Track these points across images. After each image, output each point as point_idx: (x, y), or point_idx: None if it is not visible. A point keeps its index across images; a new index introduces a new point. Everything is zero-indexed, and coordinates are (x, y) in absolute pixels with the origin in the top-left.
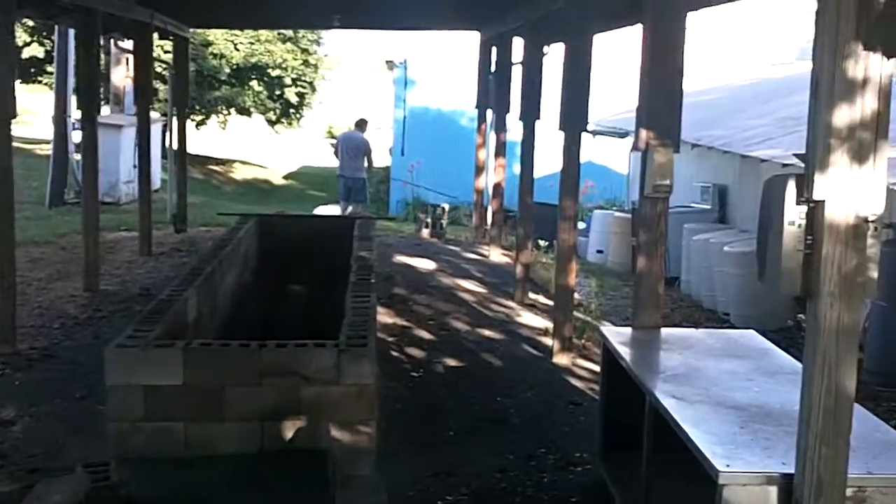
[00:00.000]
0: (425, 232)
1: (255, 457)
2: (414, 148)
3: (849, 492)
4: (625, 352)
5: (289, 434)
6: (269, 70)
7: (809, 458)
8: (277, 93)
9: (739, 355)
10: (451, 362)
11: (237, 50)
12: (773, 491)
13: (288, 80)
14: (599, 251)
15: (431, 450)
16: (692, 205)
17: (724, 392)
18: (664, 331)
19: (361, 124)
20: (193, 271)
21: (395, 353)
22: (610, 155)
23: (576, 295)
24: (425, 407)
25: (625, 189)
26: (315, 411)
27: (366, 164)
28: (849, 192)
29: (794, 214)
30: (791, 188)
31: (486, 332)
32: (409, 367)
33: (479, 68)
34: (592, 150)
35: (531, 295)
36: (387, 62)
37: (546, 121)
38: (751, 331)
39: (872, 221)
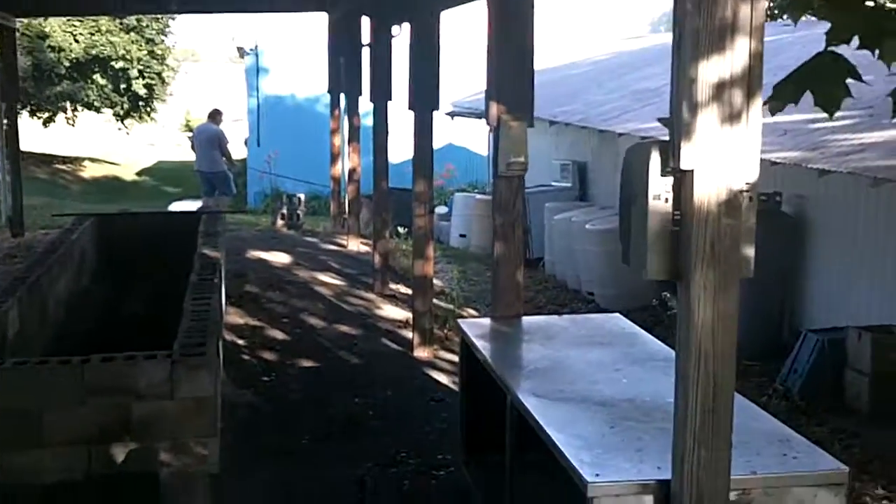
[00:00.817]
0: (281, 224)
1: (80, 485)
2: (270, 137)
3: (732, 496)
4: (483, 346)
5: (119, 458)
6: (113, 62)
7: (687, 462)
8: (123, 86)
9: (605, 343)
10: (306, 363)
11: (76, 42)
12: (650, 501)
13: (134, 73)
14: (462, 235)
15: (281, 462)
16: (553, 183)
17: (590, 386)
18: (525, 320)
19: (215, 115)
20: (16, 280)
21: (245, 357)
22: (471, 136)
23: (437, 282)
24: (277, 414)
25: (486, 171)
26: (148, 431)
27: (223, 156)
28: (720, 158)
29: (659, 187)
30: (655, 158)
31: (344, 328)
32: (261, 370)
33: (329, 51)
34: (452, 132)
35: (391, 285)
36: (238, 49)
37: (400, 103)
38: (616, 314)
39: (747, 191)
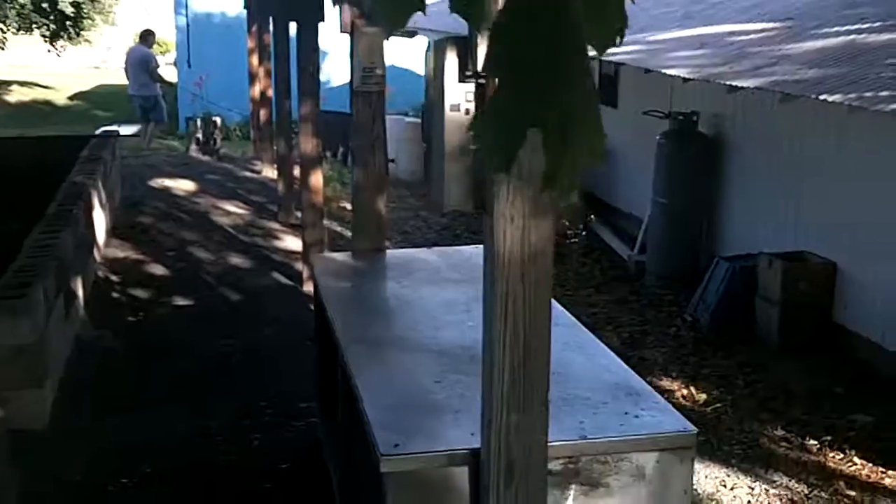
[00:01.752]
0: (195, 149)
1: None
2: (201, 59)
3: (556, 465)
4: (327, 285)
5: None
6: None
7: (495, 430)
8: (45, 5)
9: (466, 279)
10: (181, 301)
11: None
12: (457, 474)
13: None
14: (391, 160)
15: (124, 417)
16: None
17: (431, 331)
18: (390, 254)
19: (146, 36)
20: None
21: (114, 295)
22: (414, 58)
23: (350, 206)
24: (134, 360)
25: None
26: None
27: (153, 80)
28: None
29: (457, 95)
30: (452, 59)
31: (235, 261)
32: (129, 310)
33: None
34: (394, 52)
35: (299, 214)
36: None
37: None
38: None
39: None
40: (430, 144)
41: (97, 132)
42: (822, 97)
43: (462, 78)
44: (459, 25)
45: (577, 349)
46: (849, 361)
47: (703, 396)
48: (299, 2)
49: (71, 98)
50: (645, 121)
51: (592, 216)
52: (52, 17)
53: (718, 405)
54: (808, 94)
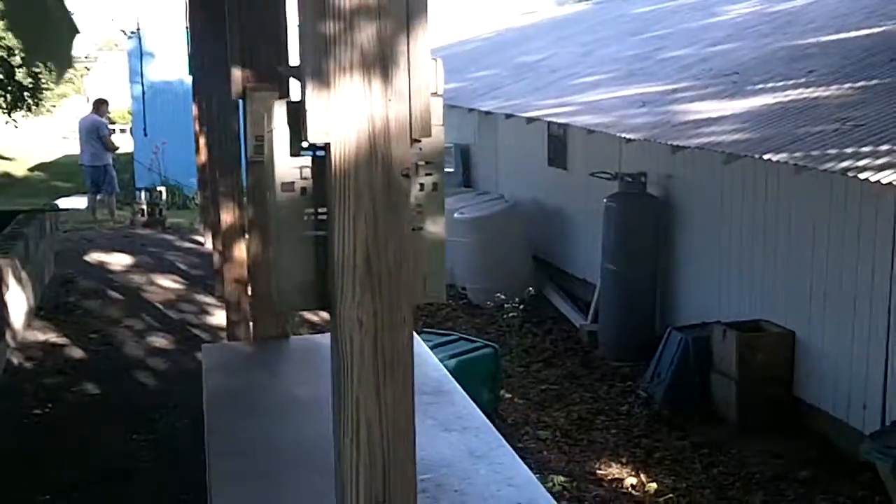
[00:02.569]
0: (140, 220)
1: None
2: (158, 127)
3: None
4: (213, 382)
5: None
6: None
7: None
8: (0, 76)
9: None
10: (94, 389)
11: None
12: None
13: (17, 61)
14: None
15: None
16: None
17: (320, 450)
18: (294, 341)
19: (99, 105)
20: None
21: (25, 385)
22: None
23: None
24: (27, 461)
25: None
26: None
27: (105, 149)
28: (369, 119)
29: (290, 171)
30: (282, 125)
31: (160, 342)
32: (35, 402)
33: (189, 28)
34: None
35: None
36: (122, 31)
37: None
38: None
39: (424, 165)
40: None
41: (63, 203)
42: (766, 157)
43: (295, 151)
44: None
45: (481, 459)
46: (813, 440)
47: (654, 486)
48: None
49: (31, 169)
50: (596, 183)
51: (531, 288)
52: (9, 88)
53: (671, 495)
54: (751, 153)
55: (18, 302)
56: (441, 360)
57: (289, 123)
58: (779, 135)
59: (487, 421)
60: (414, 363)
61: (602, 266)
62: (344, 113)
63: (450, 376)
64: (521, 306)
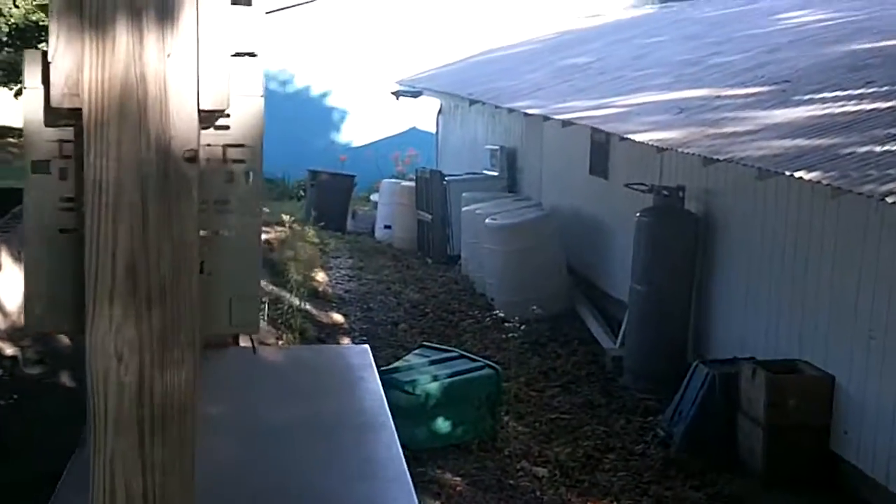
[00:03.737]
0: None
1: None
2: None
3: None
4: None
5: None
6: None
7: None
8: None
9: (306, 394)
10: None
11: (16, 7)
12: None
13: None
14: (387, 227)
15: None
16: (484, 171)
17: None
18: (233, 353)
19: None
20: None
21: None
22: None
23: (320, 278)
24: None
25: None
26: None
27: None
28: (136, 80)
29: (44, 146)
30: (35, 83)
31: None
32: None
33: None
34: (418, 114)
35: None
36: None
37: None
38: (365, 347)
39: (235, 149)
40: (429, 210)
41: None
42: (797, 174)
43: (51, 119)
44: (466, 88)
45: None
46: (846, 501)
47: None
48: None
49: None
50: (636, 195)
51: (535, 307)
52: None
53: None
54: (781, 170)
55: (16, 285)
56: (434, 380)
57: (43, 82)
58: (817, 150)
59: (406, 469)
60: (196, 415)
61: (631, 286)
62: (101, 70)
63: (386, 408)
64: (551, 323)
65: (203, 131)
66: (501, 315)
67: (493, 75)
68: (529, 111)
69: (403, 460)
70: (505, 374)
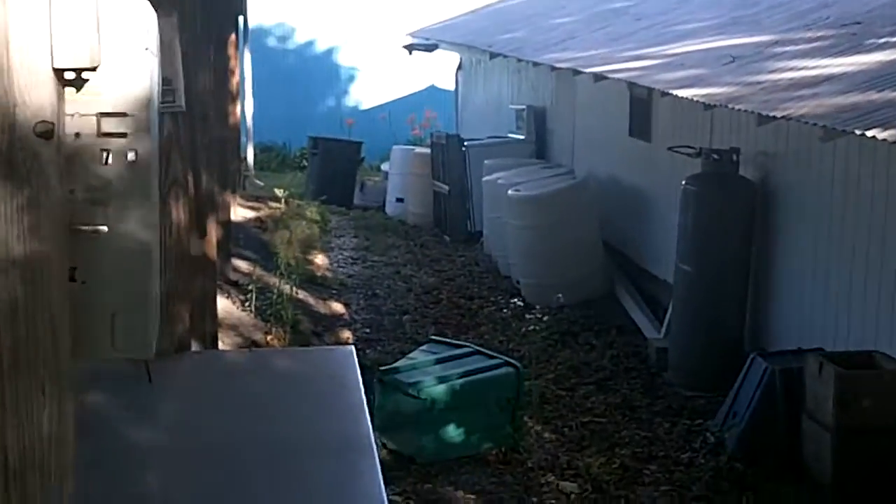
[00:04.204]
0: None
1: None
2: None
3: None
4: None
5: None
6: None
7: None
8: None
9: (275, 412)
10: None
11: None
12: None
13: None
14: (399, 200)
15: None
16: (509, 135)
17: None
18: (191, 358)
19: None
20: None
21: None
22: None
23: (319, 261)
24: None
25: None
26: None
27: None
28: None
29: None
30: None
31: None
32: None
33: None
34: (437, 71)
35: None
36: None
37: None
38: (349, 349)
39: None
40: (446, 181)
41: None
42: (869, 133)
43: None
44: (486, 39)
45: None
46: None
47: None
48: None
49: None
50: (683, 159)
51: (560, 295)
52: None
53: None
54: (849, 128)
55: None
56: (442, 381)
57: None
58: (893, 104)
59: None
60: (68, 459)
61: (676, 266)
62: None
63: (368, 427)
64: (584, 309)
65: (69, 98)
66: (527, 301)
67: (517, 23)
68: (557, 64)
69: (385, 495)
70: (529, 371)
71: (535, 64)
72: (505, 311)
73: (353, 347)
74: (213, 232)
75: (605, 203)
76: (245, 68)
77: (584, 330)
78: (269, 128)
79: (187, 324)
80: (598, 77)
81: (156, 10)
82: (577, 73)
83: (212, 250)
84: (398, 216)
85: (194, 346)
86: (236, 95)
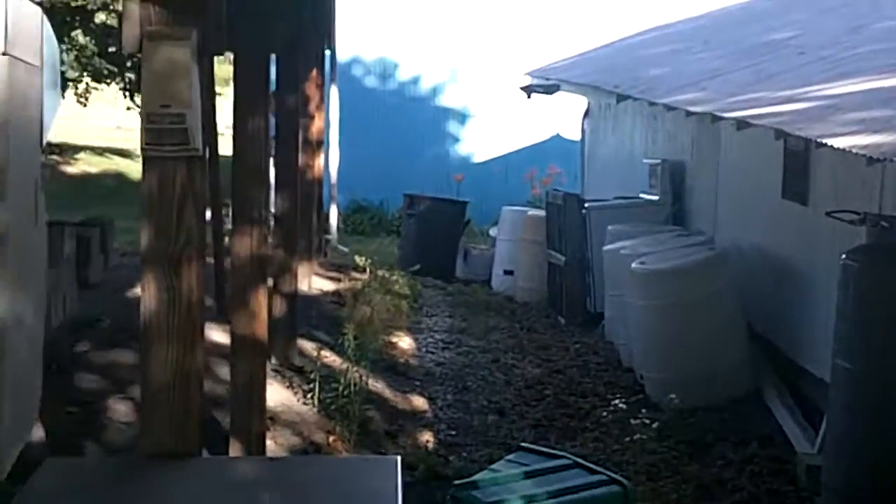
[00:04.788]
0: None
1: None
2: None
3: None
4: None
5: None
6: (96, 13)
7: None
8: (113, 48)
9: None
10: None
11: None
12: None
13: None
14: (507, 272)
15: None
16: (641, 195)
17: None
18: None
19: None
20: None
21: None
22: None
23: (405, 345)
24: None
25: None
26: None
27: None
28: None
29: None
30: None
31: None
32: None
33: None
34: (561, 119)
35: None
36: None
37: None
38: (395, 459)
39: None
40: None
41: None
42: None
43: None
44: (614, 78)
45: None
46: None
47: None
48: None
49: None
50: (849, 228)
51: (673, 396)
52: (128, 65)
53: None
54: None
55: None
56: (532, 501)
57: None
58: None
59: None
60: None
61: (833, 362)
62: None
63: None
64: (721, 413)
65: None
66: (650, 400)
67: (651, 59)
68: (691, 108)
69: None
70: (642, 491)
71: (669, 108)
72: (622, 412)
73: (398, 458)
74: (262, 306)
75: (750, 280)
76: (331, 111)
77: (719, 440)
78: (363, 183)
79: (196, 418)
80: (741, 124)
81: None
82: (715, 118)
83: (261, 328)
84: (505, 292)
85: (235, 449)
86: (318, 143)
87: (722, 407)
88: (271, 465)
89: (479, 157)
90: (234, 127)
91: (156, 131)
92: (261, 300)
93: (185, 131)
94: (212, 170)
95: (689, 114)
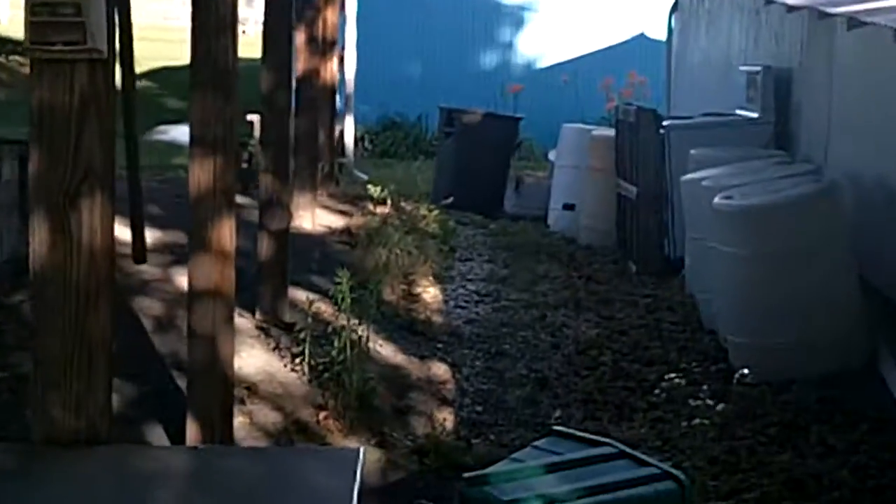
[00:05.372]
0: None
1: None
2: None
3: None
4: None
5: None
6: None
7: None
8: None
9: None
10: None
11: None
12: None
13: None
14: (567, 207)
15: None
16: (737, 111)
17: None
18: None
19: None
20: None
21: None
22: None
23: (429, 295)
24: None
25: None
26: None
27: None
28: None
29: None
30: None
31: None
32: None
33: None
34: (648, 14)
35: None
36: None
37: None
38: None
39: None
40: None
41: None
42: None
43: None
44: None
45: None
46: None
47: None
48: None
49: (147, 74)
50: None
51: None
52: None
53: None
54: None
55: None
56: (557, 501)
57: None
58: None
59: None
60: None
61: None
62: None
63: None
64: (822, 388)
65: None
66: (734, 369)
67: None
68: (792, 1)
69: None
70: (718, 486)
71: (769, 1)
72: (696, 386)
73: (361, 450)
74: (228, 247)
75: (868, 223)
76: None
77: (818, 421)
78: (398, 95)
79: (102, 396)
80: (854, 22)
81: None
82: (823, 14)
83: (226, 278)
84: (564, 231)
85: (192, 432)
86: (331, 44)
87: (825, 380)
88: (195, 456)
89: (542, 63)
90: (193, 16)
91: (41, 25)
92: (225, 241)
93: (80, 26)
94: (127, 79)
95: (790, 9)
